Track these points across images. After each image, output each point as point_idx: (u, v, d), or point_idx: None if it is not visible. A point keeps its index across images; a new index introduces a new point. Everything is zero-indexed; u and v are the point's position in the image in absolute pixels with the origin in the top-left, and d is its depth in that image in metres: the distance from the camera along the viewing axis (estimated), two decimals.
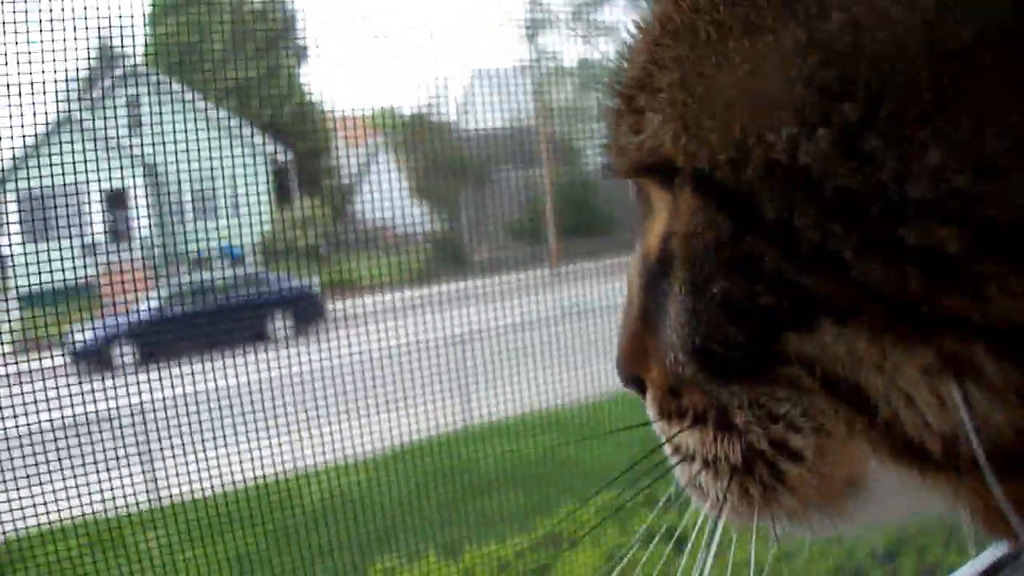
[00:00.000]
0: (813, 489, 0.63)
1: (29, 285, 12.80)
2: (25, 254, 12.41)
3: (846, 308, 0.55)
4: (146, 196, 13.68)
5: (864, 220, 0.54)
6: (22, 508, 8.55)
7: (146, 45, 11.25)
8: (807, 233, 0.55)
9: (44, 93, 6.09)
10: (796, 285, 0.56)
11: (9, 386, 11.77)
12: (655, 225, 0.68)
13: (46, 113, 8.28)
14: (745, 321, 0.58)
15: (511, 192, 14.55)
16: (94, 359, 12.82)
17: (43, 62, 5.84)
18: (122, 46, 10.55)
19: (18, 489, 8.90)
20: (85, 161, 9.00)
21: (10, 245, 11.81)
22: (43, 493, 8.97)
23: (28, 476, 9.37)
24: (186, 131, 9.84)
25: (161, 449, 9.27)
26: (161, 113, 11.32)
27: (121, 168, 12.10)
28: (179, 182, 14.13)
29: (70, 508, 8.50)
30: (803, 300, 0.56)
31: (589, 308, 8.67)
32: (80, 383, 12.65)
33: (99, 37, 9.10)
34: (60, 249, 12.68)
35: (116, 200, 13.74)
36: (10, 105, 5.78)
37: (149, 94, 11.62)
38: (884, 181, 0.54)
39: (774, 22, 0.58)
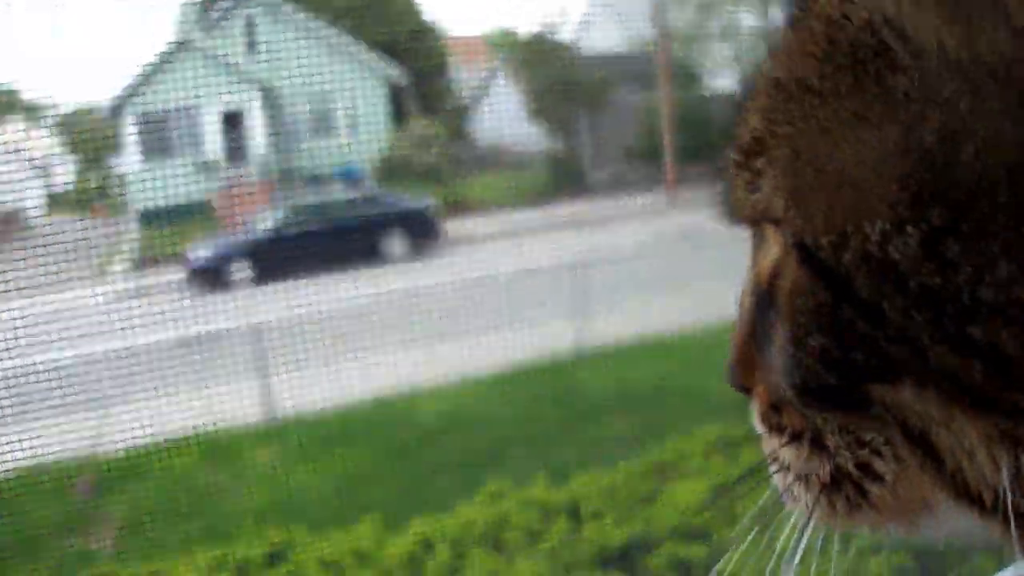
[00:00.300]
0: (891, 508, 0.71)
1: (148, 204, 12.96)
2: (144, 173, 12.60)
3: (923, 378, 0.63)
4: (263, 116, 13.78)
5: (941, 315, 0.61)
6: (134, 422, 8.76)
7: None
8: (893, 317, 0.62)
9: (162, 17, 6.13)
10: (883, 352, 0.64)
11: (125, 300, 12.00)
12: (767, 253, 0.72)
13: (164, 36, 8.34)
14: (838, 370, 0.65)
15: (628, 115, 14.38)
16: (211, 276, 13.03)
17: None
18: None
19: (127, 405, 9.09)
20: (203, 83, 9.09)
21: (127, 165, 12.00)
22: (159, 407, 9.19)
23: (144, 391, 9.59)
24: (302, 53, 9.86)
25: (272, 361, 9.40)
26: (277, 35, 11.35)
27: (238, 89, 12.20)
28: (296, 103, 14.20)
29: (183, 423, 8.69)
30: (888, 363, 0.63)
31: (705, 234, 8.57)
32: (197, 300, 12.89)
33: None
34: (178, 169, 12.83)
35: (233, 121, 13.86)
36: (130, 29, 5.83)
37: (265, 16, 11.66)
38: (960, 284, 0.60)
39: (879, 119, 0.62)
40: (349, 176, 16.02)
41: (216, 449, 8.46)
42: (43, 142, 13.00)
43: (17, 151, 11.69)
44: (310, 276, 12.99)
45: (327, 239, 13.83)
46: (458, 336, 10.43)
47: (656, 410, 7.49)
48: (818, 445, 0.72)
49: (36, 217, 12.84)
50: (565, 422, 7.70)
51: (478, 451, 7.58)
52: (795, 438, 0.73)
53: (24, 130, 11.94)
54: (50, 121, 12.44)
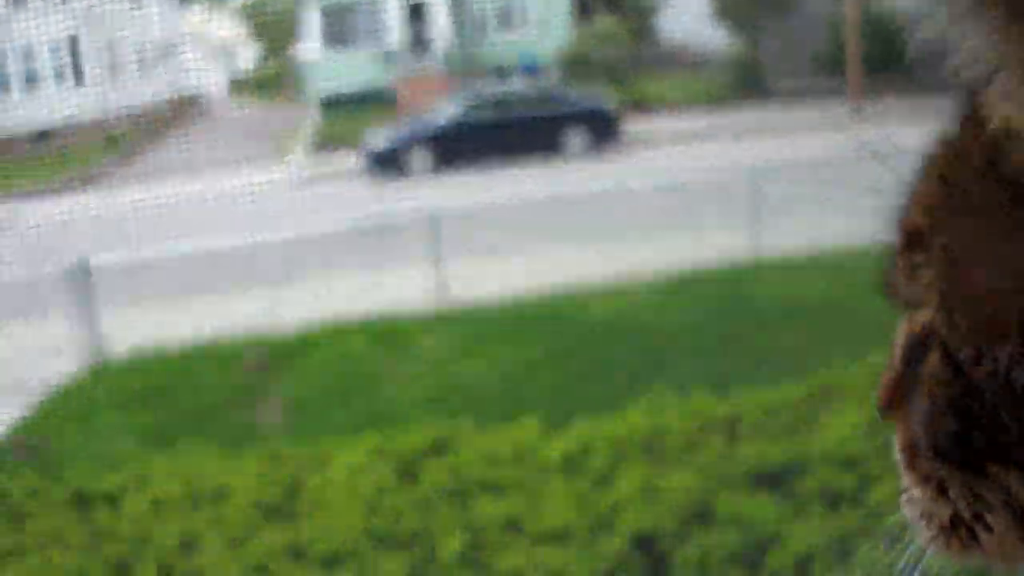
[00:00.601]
0: (998, 553, 0.78)
1: (328, 91, 13.09)
2: (326, 60, 12.75)
3: None
4: (446, 8, 13.80)
5: None
6: (306, 304, 8.96)
7: None
8: (1010, 424, 0.69)
9: None
10: (999, 444, 0.71)
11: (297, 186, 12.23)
12: (924, 309, 0.76)
13: None
14: (961, 447, 0.73)
15: (816, 23, 14.01)
16: (389, 163, 13.21)
17: None
18: None
19: (300, 286, 9.28)
20: None
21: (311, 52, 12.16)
22: (332, 290, 9.38)
23: (318, 273, 9.78)
24: None
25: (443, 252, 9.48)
26: None
27: None
28: None
29: (354, 306, 8.85)
30: (1003, 452, 0.71)
31: (889, 149, 8.33)
32: (374, 186, 13.07)
33: None
34: (360, 57, 12.93)
35: (417, 10, 13.92)
36: None
37: None
38: None
39: (1016, 251, 0.66)
40: (531, 71, 16.01)
41: (385, 334, 8.60)
42: (226, 28, 13.26)
43: (201, 36, 11.94)
44: (487, 167, 13.10)
45: (506, 132, 13.90)
46: (632, 237, 10.41)
47: (825, 328, 7.37)
48: (942, 491, 0.78)
49: (218, 101, 13.15)
50: (732, 332, 7.65)
51: (644, 354, 7.58)
52: (925, 480, 0.79)
53: (208, 16, 12.19)
54: (234, 8, 12.65)
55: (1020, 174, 0.65)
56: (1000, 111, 0.67)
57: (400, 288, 9.36)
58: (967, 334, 0.69)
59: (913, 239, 0.73)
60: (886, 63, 11.09)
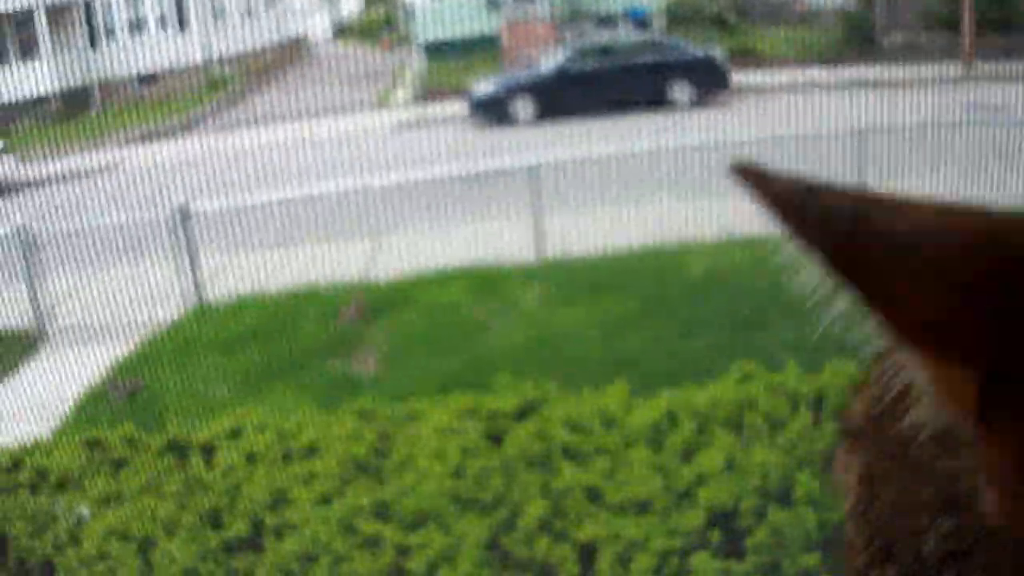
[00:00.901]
0: None
1: (433, 37, 13.02)
2: (431, 5, 12.72)
3: None
4: None
5: None
6: (404, 253, 9.01)
7: None
8: None
9: None
10: None
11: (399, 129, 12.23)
12: (849, 500, 0.80)
13: None
14: None
15: None
16: (493, 111, 13.17)
17: None
18: None
19: (399, 235, 9.33)
20: None
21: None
22: (430, 240, 9.42)
23: (417, 223, 9.82)
24: None
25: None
26: None
27: None
28: None
29: (452, 257, 8.88)
30: None
31: (999, 111, 8.14)
32: (477, 133, 13.06)
33: None
34: (465, 3, 12.84)
35: None
36: None
37: None
38: None
39: (905, 489, 0.70)
40: (638, 19, 15.88)
41: (482, 285, 8.62)
42: None
43: None
44: (592, 117, 13.03)
45: (611, 81, 13.79)
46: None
47: None
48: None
49: (322, 46, 13.24)
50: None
51: (739, 314, 7.55)
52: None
53: None
54: None
55: (913, 431, 0.66)
56: (902, 377, 0.68)
57: (500, 238, 9.37)
58: (867, 544, 0.72)
59: (852, 438, 0.76)
60: (1000, 24, 10.82)
